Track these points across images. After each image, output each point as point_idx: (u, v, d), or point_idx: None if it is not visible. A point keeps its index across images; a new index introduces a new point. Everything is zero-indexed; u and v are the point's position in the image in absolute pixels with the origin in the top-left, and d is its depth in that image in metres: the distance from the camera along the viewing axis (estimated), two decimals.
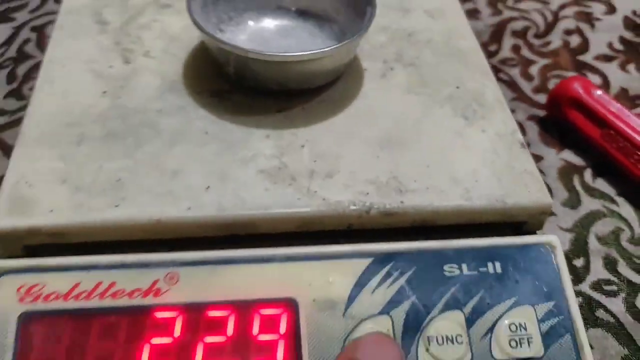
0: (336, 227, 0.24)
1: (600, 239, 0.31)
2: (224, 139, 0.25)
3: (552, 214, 0.31)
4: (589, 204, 0.32)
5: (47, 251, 0.23)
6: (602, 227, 0.31)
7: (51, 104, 0.27)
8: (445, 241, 0.23)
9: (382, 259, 0.23)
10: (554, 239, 0.24)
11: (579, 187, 0.33)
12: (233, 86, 0.27)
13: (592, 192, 0.33)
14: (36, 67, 0.37)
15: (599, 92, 0.34)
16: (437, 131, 0.26)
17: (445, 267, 0.23)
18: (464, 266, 0.23)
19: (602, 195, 0.33)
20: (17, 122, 0.34)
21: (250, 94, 0.27)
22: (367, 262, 0.23)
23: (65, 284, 0.22)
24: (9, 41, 0.39)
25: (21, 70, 0.37)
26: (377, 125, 0.26)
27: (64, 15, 0.31)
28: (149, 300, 0.22)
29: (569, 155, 0.35)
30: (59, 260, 0.22)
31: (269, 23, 0.30)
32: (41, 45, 0.39)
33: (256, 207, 0.23)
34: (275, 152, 0.25)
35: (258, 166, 0.24)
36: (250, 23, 0.30)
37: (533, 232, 0.25)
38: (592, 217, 0.31)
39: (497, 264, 0.23)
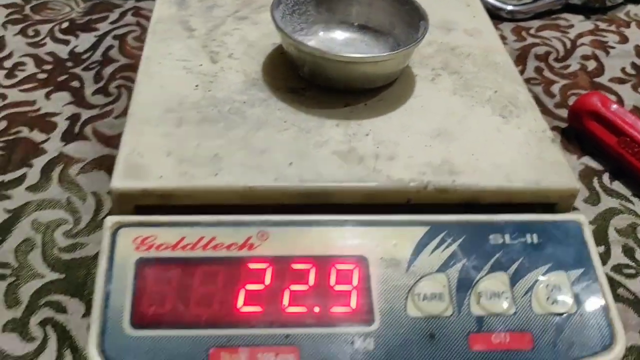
0: (397, 200, 0.28)
1: (618, 231, 0.35)
2: (301, 126, 0.30)
3: (575, 209, 0.36)
4: (608, 202, 0.36)
5: (154, 212, 0.27)
6: (620, 221, 0.35)
7: (152, 94, 0.31)
8: (491, 215, 0.28)
9: (437, 228, 0.27)
10: (582, 217, 0.28)
11: (598, 188, 0.37)
12: (307, 84, 0.32)
13: (610, 192, 0.37)
14: (120, 69, 0.42)
15: (615, 105, 0.39)
16: (479, 126, 0.31)
17: (491, 237, 0.27)
18: (507, 236, 0.27)
19: (619, 195, 0.37)
20: (107, 114, 0.39)
21: (321, 92, 0.32)
22: (425, 229, 0.27)
23: (173, 237, 0.26)
24: (93, 47, 0.44)
25: (106, 71, 0.42)
26: (429, 120, 0.31)
27: (155, 23, 0.36)
28: (244, 252, 0.26)
29: (589, 161, 0.39)
30: (168, 218, 0.26)
31: (334, 34, 0.35)
32: (123, 51, 0.44)
33: (331, 180, 0.27)
34: (345, 139, 0.29)
35: (331, 148, 0.29)
36: (320, 34, 0.35)
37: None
38: (611, 213, 0.36)
39: (535, 236, 0.27)
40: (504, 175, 0.28)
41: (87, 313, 0.29)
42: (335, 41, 0.35)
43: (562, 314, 0.25)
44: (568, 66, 0.47)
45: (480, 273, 0.26)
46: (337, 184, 0.27)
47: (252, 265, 0.25)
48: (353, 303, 0.25)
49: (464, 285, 0.26)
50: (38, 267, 0.30)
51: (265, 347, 0.24)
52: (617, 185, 0.37)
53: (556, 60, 0.48)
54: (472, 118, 0.31)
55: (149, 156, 0.28)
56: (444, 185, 0.28)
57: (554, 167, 0.29)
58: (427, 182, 0.28)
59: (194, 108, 0.31)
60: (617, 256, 0.33)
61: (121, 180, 0.27)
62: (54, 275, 0.30)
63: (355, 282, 0.26)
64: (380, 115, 0.31)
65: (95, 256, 0.31)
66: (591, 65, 0.47)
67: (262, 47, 0.35)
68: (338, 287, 0.25)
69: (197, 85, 0.32)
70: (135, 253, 0.26)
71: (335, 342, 0.24)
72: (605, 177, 0.38)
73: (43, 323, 0.28)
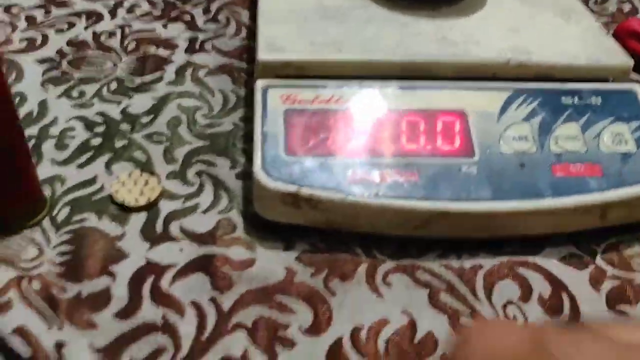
0: (484, 74, 0.35)
1: None
2: (399, 21, 0.37)
3: None
4: None
5: None
6: None
7: (275, 2, 0.38)
8: (561, 83, 0.34)
9: (519, 92, 0.34)
10: (636, 86, 0.34)
11: None
12: None
13: None
14: (228, 3, 0.49)
15: None
16: (546, 24, 0.38)
17: (563, 98, 0.34)
18: (576, 98, 0.34)
19: None
20: (222, 35, 0.46)
21: (410, 1, 0.39)
22: (509, 92, 0.34)
23: (310, 95, 0.33)
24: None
25: (214, 6, 0.49)
26: (503, 19, 0.38)
27: None
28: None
29: (634, 76, 0.45)
30: (305, 81, 0.33)
31: None
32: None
33: (434, 55, 0.34)
34: (436, 30, 0.36)
35: (427, 37, 0.36)
36: None
37: None
38: None
39: (599, 98, 0.34)
40: (571, 54, 0.35)
41: (234, 166, 0.35)
42: None
43: (625, 153, 0.32)
44: (606, 8, 0.54)
45: (556, 122, 0.32)
46: (438, 57, 0.34)
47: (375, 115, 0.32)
48: (457, 142, 0.32)
49: (544, 131, 0.32)
50: (186, 136, 0.37)
51: (391, 170, 0.30)
52: None
53: (595, 3, 0.54)
54: (540, 18, 0.38)
55: (283, 39, 0.35)
56: (524, 60, 0.34)
57: (610, 51, 0.36)
58: (509, 58, 0.34)
59: (314, 10, 0.38)
60: None
61: (266, 54, 0.34)
62: (200, 142, 0.37)
63: (457, 129, 0.32)
64: (461, 17, 0.38)
65: (232, 130, 0.37)
66: (626, 7, 0.54)
67: None
68: (445, 132, 0.32)
69: None
70: (283, 105, 0.32)
71: (446, 168, 0.31)
72: None
73: (198, 174, 0.35)
